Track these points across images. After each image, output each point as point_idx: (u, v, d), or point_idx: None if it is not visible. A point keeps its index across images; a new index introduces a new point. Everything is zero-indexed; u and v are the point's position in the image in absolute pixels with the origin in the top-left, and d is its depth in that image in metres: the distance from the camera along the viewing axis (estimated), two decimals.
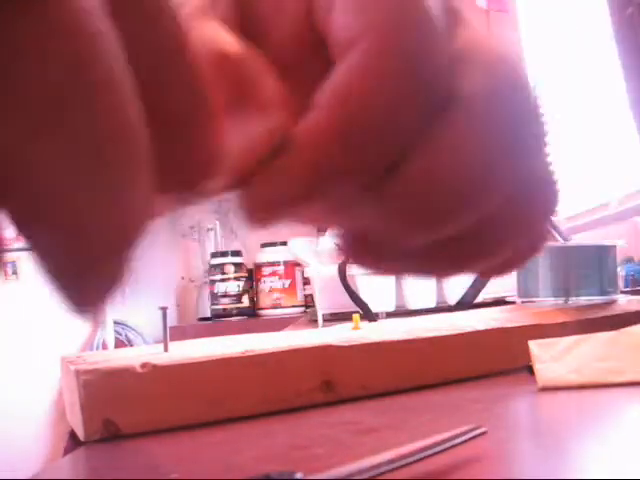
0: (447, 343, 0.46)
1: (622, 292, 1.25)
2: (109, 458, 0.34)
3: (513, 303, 0.62)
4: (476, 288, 1.13)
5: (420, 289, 1.66)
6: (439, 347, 0.45)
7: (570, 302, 0.58)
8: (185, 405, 0.38)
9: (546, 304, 0.58)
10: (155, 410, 0.38)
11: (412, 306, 1.65)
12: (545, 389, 0.38)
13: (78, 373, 0.37)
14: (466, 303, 1.13)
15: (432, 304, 1.68)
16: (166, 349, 0.41)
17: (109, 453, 0.35)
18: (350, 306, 1.48)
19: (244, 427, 0.37)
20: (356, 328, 0.49)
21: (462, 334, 0.46)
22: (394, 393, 0.42)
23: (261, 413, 0.39)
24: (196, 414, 0.38)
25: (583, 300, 0.58)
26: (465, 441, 0.26)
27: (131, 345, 1.85)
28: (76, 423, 0.39)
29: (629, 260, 1.45)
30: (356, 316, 0.50)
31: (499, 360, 0.47)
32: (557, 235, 1.03)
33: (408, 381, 0.44)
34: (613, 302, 0.57)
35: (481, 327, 0.47)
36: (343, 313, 1.69)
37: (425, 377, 0.44)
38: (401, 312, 1.61)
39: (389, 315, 1.50)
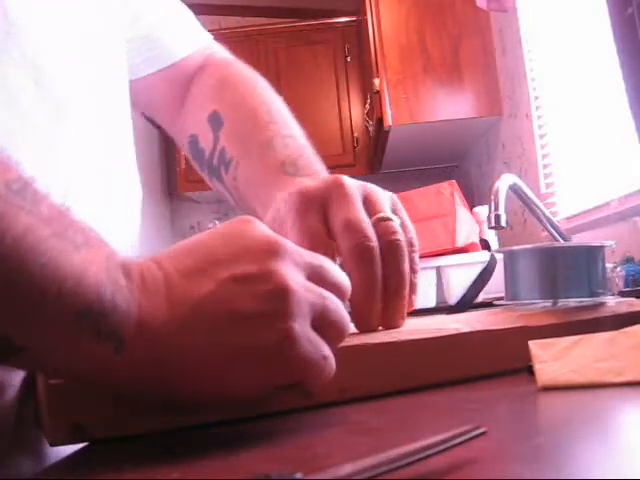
0: (428, 346, 0.44)
1: (622, 292, 1.25)
2: (109, 458, 0.34)
3: (500, 306, 0.61)
4: (476, 288, 1.13)
5: (420, 289, 1.66)
6: (419, 350, 0.44)
7: (559, 304, 0.57)
8: (156, 409, 0.36)
9: (534, 307, 0.57)
10: (125, 415, 0.36)
11: None
12: (545, 389, 0.38)
13: (46, 377, 0.36)
14: (466, 303, 1.13)
15: (432, 304, 1.69)
16: None
17: (109, 453, 0.35)
18: (350, 306, 1.48)
19: (244, 427, 0.37)
20: None
21: (443, 337, 0.45)
22: (372, 397, 0.42)
23: (237, 419, 0.38)
24: (168, 419, 0.37)
25: (572, 302, 0.56)
26: (465, 441, 0.26)
27: None
28: (44, 428, 0.37)
29: (629, 260, 1.45)
30: None
31: (483, 363, 0.46)
32: (556, 235, 1.03)
33: (388, 384, 0.43)
34: (603, 304, 0.56)
35: (465, 330, 0.46)
36: None
37: (406, 380, 0.43)
38: None
39: None
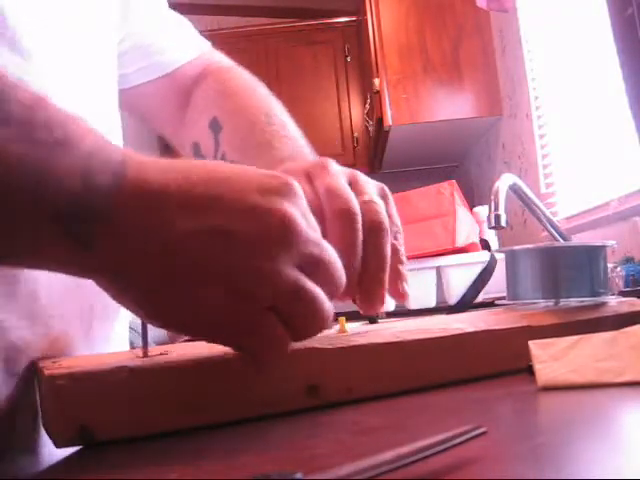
0: (432, 346, 0.45)
1: (622, 292, 1.25)
2: (108, 458, 0.34)
3: (503, 305, 0.61)
4: (476, 288, 1.13)
5: (420, 289, 1.66)
6: (424, 350, 0.44)
7: (560, 304, 0.57)
8: (163, 410, 0.37)
9: (536, 306, 0.57)
10: (132, 416, 0.36)
11: (412, 306, 1.65)
12: (545, 389, 0.38)
13: (52, 378, 0.36)
14: (466, 303, 1.13)
15: (432, 304, 1.69)
16: (145, 354, 0.40)
17: (108, 453, 0.35)
18: (350, 306, 1.48)
19: (244, 427, 0.37)
20: (342, 331, 0.49)
21: (447, 337, 0.45)
22: (380, 396, 0.42)
23: (243, 418, 0.38)
24: (175, 420, 0.37)
25: (574, 302, 0.56)
26: (465, 441, 0.26)
27: (131, 345, 1.85)
28: (50, 429, 0.37)
29: (629, 260, 1.45)
30: (342, 319, 0.49)
31: (486, 363, 0.46)
32: (556, 235, 1.03)
33: (394, 384, 0.43)
34: (604, 303, 0.56)
35: (469, 329, 0.46)
36: (343, 313, 1.69)
37: (411, 380, 0.43)
38: (401, 312, 1.61)
39: (389, 315, 1.50)
